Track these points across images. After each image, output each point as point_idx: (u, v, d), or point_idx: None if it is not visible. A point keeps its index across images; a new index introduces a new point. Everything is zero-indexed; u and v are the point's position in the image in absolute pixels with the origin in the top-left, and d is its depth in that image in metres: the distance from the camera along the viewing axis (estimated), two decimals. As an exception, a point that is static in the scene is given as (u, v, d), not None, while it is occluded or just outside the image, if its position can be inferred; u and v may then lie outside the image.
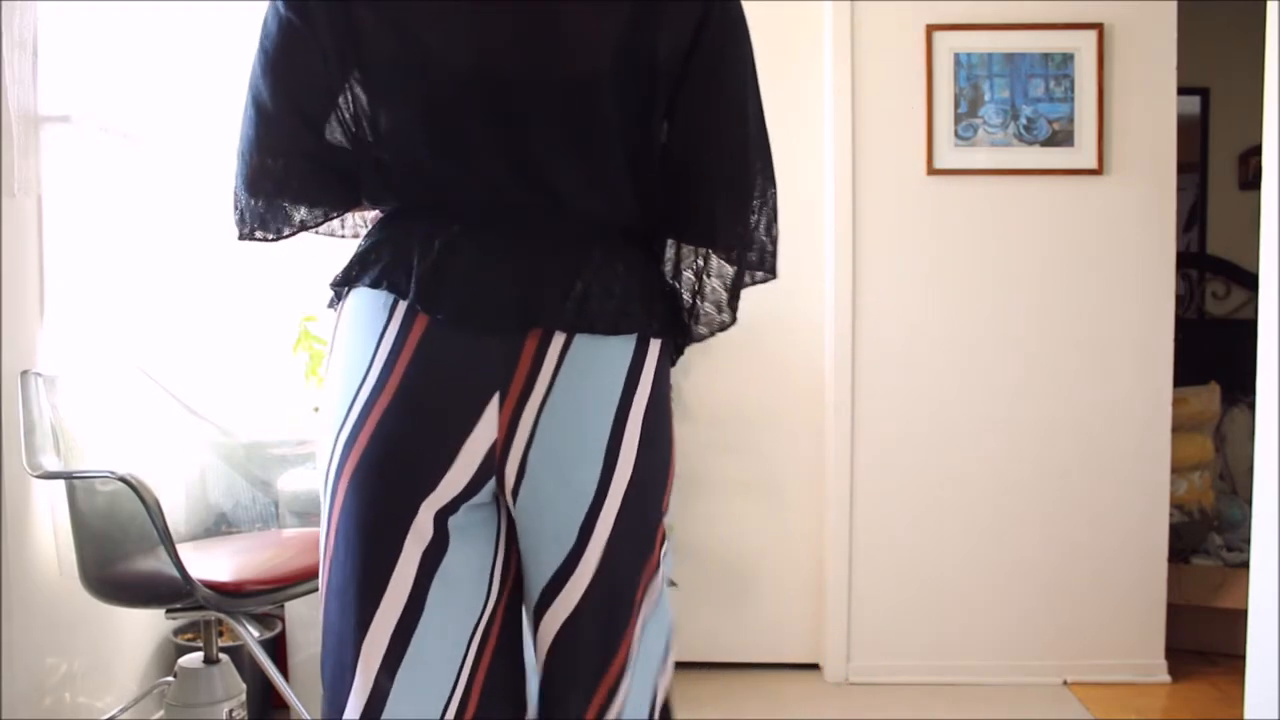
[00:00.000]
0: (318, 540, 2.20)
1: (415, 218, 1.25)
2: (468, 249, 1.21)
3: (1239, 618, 2.31)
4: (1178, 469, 3.24)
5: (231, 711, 2.15)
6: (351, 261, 1.27)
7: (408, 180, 1.25)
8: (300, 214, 1.30)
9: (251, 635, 2.00)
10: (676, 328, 1.35)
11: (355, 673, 1.22)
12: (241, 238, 1.34)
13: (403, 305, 1.20)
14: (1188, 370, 3.14)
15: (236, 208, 1.34)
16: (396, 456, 1.21)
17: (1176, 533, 3.19)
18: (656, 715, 1.35)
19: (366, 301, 1.23)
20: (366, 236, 1.30)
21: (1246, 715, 2.11)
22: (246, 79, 1.29)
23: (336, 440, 1.23)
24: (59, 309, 2.21)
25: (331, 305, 1.31)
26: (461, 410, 1.20)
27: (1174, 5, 2.92)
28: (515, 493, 1.24)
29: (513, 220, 1.24)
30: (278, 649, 2.62)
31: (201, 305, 2.77)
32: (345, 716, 1.22)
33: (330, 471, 1.24)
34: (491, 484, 1.24)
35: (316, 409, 2.70)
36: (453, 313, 1.19)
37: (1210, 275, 4.13)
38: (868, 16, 2.94)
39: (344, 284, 1.27)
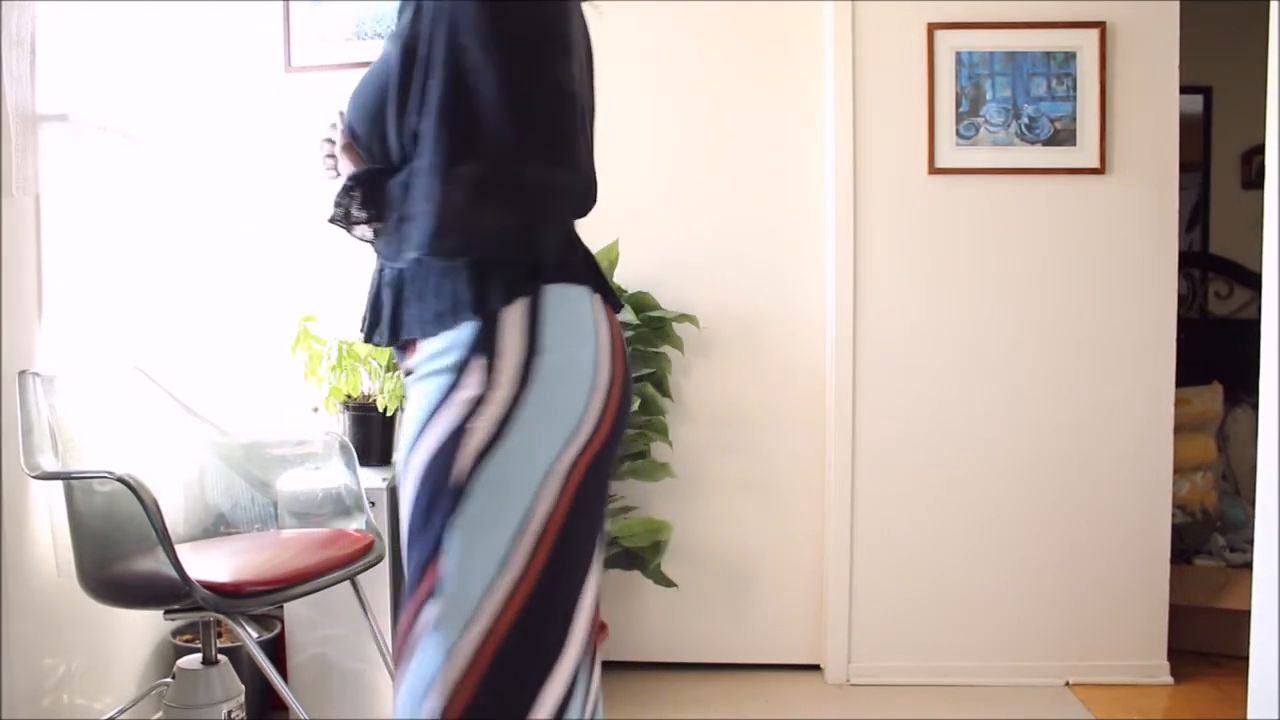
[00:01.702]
0: (319, 540, 2.20)
1: (559, 222, 1.35)
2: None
3: (1241, 618, 2.31)
4: (1180, 469, 3.24)
5: (230, 713, 2.14)
6: (541, 262, 1.29)
7: (582, 191, 1.36)
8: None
9: (250, 636, 1.99)
10: None
11: (562, 652, 1.31)
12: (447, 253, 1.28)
13: (597, 298, 1.34)
14: (1190, 370, 3.13)
15: (477, 227, 1.26)
16: (620, 434, 1.35)
17: (1179, 533, 3.18)
18: None
19: (570, 297, 1.30)
20: (496, 239, 1.27)
21: (1249, 716, 2.10)
22: (537, 66, 1.25)
23: (574, 435, 1.28)
24: (57, 308, 2.20)
25: (506, 301, 1.26)
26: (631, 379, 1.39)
27: (1176, 4, 2.91)
28: None
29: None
30: (277, 650, 2.62)
31: (200, 305, 2.77)
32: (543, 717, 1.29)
33: (561, 462, 1.27)
34: None
35: (315, 409, 2.69)
36: (616, 302, 1.40)
37: (1213, 275, 4.12)
38: (868, 15, 2.93)
39: (530, 280, 1.28)
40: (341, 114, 1.45)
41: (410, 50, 1.29)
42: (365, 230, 1.38)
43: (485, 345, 1.26)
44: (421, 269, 1.30)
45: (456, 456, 1.25)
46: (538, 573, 1.27)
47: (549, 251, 1.30)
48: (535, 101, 1.25)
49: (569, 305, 1.30)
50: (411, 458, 1.29)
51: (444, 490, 1.26)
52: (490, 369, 1.26)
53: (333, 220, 1.38)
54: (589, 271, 1.35)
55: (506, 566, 1.26)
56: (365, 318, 1.44)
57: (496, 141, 1.22)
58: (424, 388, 1.30)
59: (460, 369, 1.26)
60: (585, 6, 1.40)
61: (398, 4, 1.46)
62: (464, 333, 1.27)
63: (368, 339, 1.43)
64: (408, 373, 1.37)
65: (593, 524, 1.35)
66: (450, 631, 1.26)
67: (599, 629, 1.40)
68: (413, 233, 1.26)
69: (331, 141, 1.49)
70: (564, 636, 1.31)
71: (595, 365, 1.30)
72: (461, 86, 1.23)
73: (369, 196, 1.34)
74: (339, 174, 1.51)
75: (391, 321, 1.36)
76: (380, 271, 1.41)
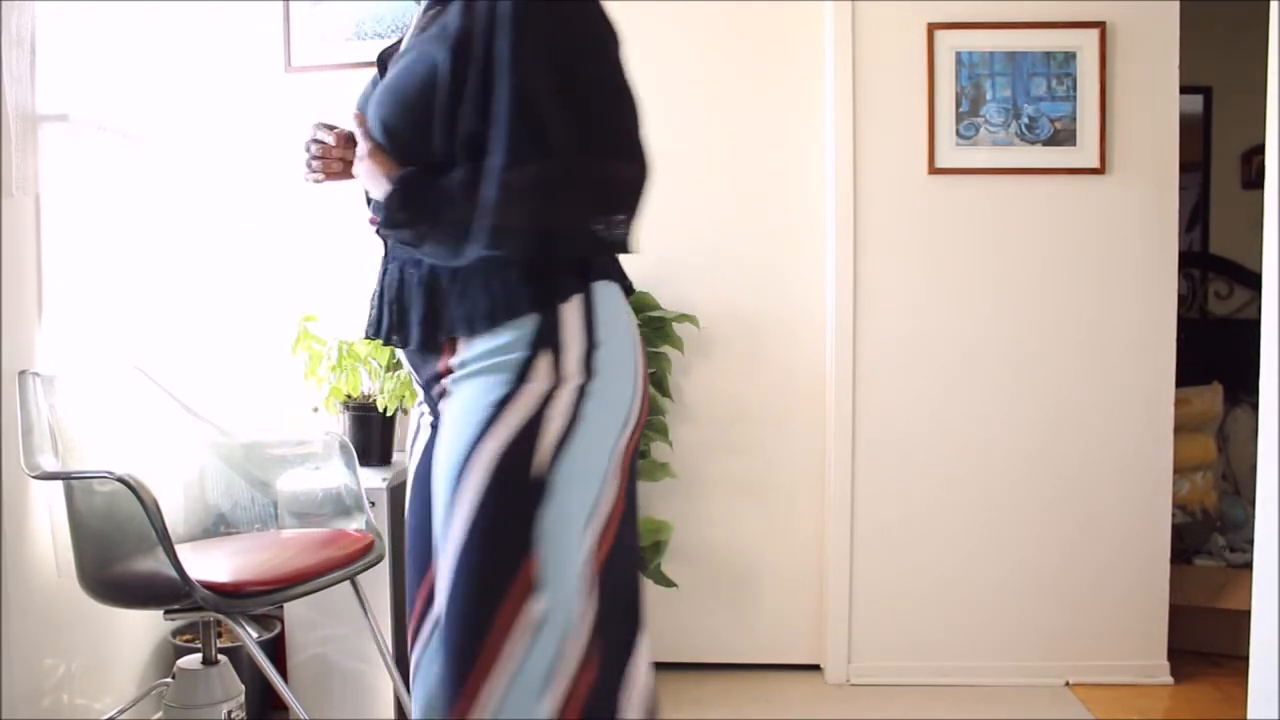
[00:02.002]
0: (319, 540, 2.20)
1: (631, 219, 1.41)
2: None
3: (1241, 618, 2.31)
4: (1180, 469, 3.23)
5: (230, 713, 2.14)
6: (593, 259, 1.35)
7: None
8: None
9: (250, 636, 1.99)
10: None
11: (639, 630, 1.41)
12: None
13: (622, 293, 1.41)
14: (1190, 370, 3.13)
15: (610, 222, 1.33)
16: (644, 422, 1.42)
17: (1179, 533, 3.18)
18: None
19: (611, 293, 1.37)
20: (563, 236, 1.32)
21: (1249, 716, 2.10)
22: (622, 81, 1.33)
23: (626, 422, 1.35)
24: (57, 308, 2.20)
25: (563, 299, 1.32)
26: None
27: (1176, 4, 2.90)
28: None
29: None
30: (277, 650, 2.62)
31: (200, 305, 2.77)
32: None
33: (619, 449, 1.35)
34: None
35: (315, 409, 2.69)
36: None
37: (1213, 275, 4.11)
38: (868, 15, 2.93)
39: (585, 278, 1.34)
40: (362, 117, 1.40)
41: (462, 49, 1.28)
42: (407, 233, 1.34)
43: (549, 339, 1.30)
44: (467, 267, 1.30)
45: (536, 449, 1.28)
46: (608, 555, 1.33)
47: (598, 248, 1.35)
48: (605, 98, 1.28)
49: (611, 300, 1.36)
50: (476, 453, 1.28)
51: (524, 484, 1.28)
52: (557, 363, 1.30)
53: (382, 224, 1.35)
54: (617, 268, 1.40)
55: (586, 553, 1.31)
56: (379, 319, 1.42)
57: (569, 140, 1.25)
58: (480, 384, 1.30)
59: (526, 364, 1.29)
60: None
61: (424, 2, 1.42)
62: (526, 328, 1.29)
63: (386, 341, 1.41)
64: (444, 372, 1.36)
65: (636, 505, 1.43)
66: (558, 626, 1.28)
67: None
68: (482, 231, 1.26)
69: (320, 143, 1.47)
70: (638, 617, 1.40)
71: (635, 357, 1.37)
72: (531, 85, 1.24)
73: (413, 198, 1.32)
74: (325, 178, 1.49)
75: (425, 321, 1.35)
76: (401, 270, 1.39)
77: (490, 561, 1.28)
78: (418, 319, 1.36)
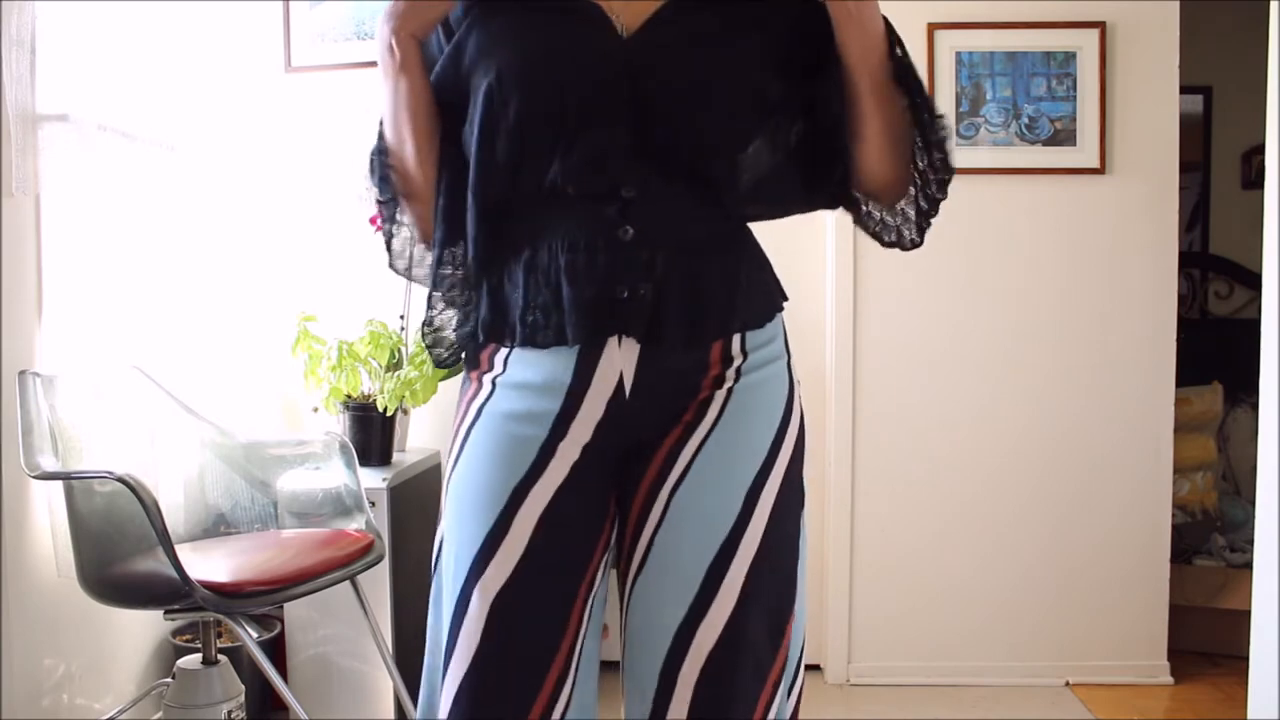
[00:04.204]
0: (319, 540, 2.20)
1: None
2: None
3: (1242, 618, 2.31)
4: (1180, 469, 3.23)
5: (230, 713, 2.14)
6: None
7: None
8: None
9: (250, 636, 1.99)
10: None
11: None
12: None
13: None
14: (1190, 370, 3.13)
15: None
16: None
17: (1179, 533, 3.18)
18: None
19: None
20: None
21: (1249, 716, 2.10)
22: None
23: None
24: (57, 308, 2.21)
25: (785, 298, 1.34)
26: None
27: (1176, 4, 2.90)
28: None
29: None
30: (277, 650, 2.61)
31: (200, 305, 2.77)
32: None
33: None
34: None
35: (315, 409, 2.69)
36: None
37: (1213, 275, 4.11)
38: (869, 15, 2.93)
39: None
40: None
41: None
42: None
43: (787, 339, 1.32)
44: (749, 260, 1.27)
45: (804, 454, 1.29)
46: None
47: None
48: None
49: None
50: (777, 455, 1.23)
51: (801, 485, 1.27)
52: (791, 365, 1.31)
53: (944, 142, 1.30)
54: None
55: None
56: (642, 315, 1.17)
57: None
58: (769, 383, 1.26)
59: (789, 363, 1.30)
60: None
61: None
62: (780, 327, 1.30)
63: (652, 340, 1.19)
64: (716, 374, 1.22)
65: None
66: (802, 626, 1.29)
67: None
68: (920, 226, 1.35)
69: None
70: None
71: None
72: None
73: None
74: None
75: (721, 315, 1.21)
76: (673, 259, 1.19)
77: (782, 562, 1.25)
78: (716, 311, 1.21)
